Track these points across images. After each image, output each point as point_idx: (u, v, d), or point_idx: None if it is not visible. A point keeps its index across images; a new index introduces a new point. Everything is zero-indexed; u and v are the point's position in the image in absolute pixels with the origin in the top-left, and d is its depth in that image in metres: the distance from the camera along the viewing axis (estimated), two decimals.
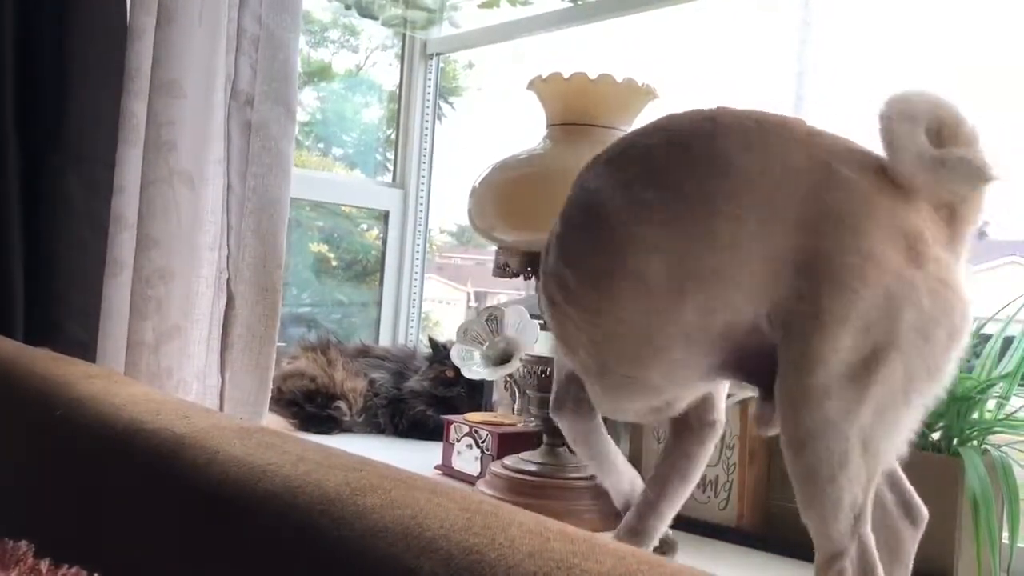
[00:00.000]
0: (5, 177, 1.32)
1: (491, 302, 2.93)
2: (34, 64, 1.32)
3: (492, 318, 1.50)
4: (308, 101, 2.71)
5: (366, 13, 2.20)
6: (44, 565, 0.65)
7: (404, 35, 2.22)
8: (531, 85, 1.26)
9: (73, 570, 0.64)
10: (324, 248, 2.48)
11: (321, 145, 2.61)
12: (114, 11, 1.32)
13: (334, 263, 2.47)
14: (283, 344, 2.04)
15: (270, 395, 1.26)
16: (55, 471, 0.85)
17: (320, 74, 2.57)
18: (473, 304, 3.89)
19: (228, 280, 1.20)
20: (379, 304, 2.26)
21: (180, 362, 1.25)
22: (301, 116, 2.64)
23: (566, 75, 1.21)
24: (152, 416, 0.76)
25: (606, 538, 0.46)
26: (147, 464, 0.70)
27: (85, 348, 1.29)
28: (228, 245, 1.20)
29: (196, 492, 0.64)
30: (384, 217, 2.29)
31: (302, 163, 2.53)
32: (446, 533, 0.47)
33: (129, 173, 1.28)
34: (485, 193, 1.26)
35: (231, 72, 1.21)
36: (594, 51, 2.08)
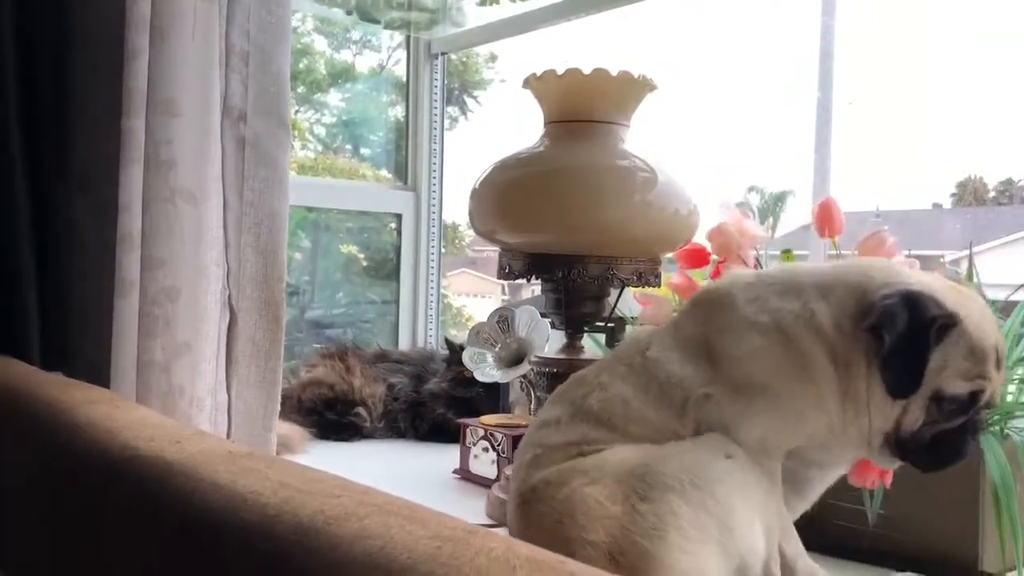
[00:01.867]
0: (14, 202, 1.33)
1: (526, 294, 2.91)
2: (36, 82, 1.33)
3: (503, 319, 1.48)
4: (334, 103, 2.70)
5: (368, 17, 2.19)
6: None
7: (408, 37, 2.20)
8: (526, 83, 1.24)
9: None
10: (354, 249, 2.48)
11: (349, 146, 2.60)
12: (114, 30, 1.32)
13: (364, 263, 2.47)
14: (319, 346, 2.05)
15: (279, 408, 1.25)
16: (55, 499, 0.86)
17: (344, 75, 2.55)
18: (506, 296, 3.89)
19: (229, 297, 1.20)
20: (397, 306, 2.26)
21: (192, 380, 1.25)
22: (328, 118, 2.64)
23: (560, 71, 1.19)
24: (145, 442, 0.76)
25: (574, 565, 0.45)
26: (137, 493, 0.70)
27: (100, 370, 1.30)
28: (227, 262, 1.20)
29: (181, 522, 0.63)
30: (399, 219, 2.28)
31: (329, 166, 2.53)
32: (413, 564, 0.47)
33: (132, 192, 1.28)
34: (484, 195, 1.24)
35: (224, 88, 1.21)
36: (618, 37, 2.05)
